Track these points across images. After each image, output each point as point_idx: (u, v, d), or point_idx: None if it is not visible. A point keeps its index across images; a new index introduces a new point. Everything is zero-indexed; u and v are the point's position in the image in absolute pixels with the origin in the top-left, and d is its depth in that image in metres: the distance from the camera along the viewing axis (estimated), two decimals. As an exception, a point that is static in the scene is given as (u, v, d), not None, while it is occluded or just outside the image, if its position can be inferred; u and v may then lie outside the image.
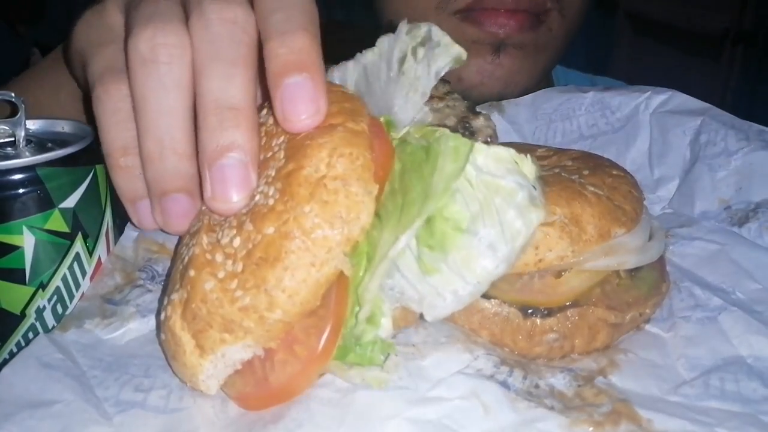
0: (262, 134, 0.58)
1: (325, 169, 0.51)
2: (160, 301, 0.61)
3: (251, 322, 0.51)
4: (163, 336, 0.55)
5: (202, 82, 0.54)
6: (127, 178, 0.60)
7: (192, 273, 0.53)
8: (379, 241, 0.53)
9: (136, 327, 0.61)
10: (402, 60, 0.62)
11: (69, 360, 0.56)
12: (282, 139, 0.55)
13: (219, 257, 0.53)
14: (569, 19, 1.03)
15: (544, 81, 1.14)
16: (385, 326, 0.55)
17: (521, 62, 1.01)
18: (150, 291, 0.64)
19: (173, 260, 0.61)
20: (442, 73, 0.61)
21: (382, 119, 0.58)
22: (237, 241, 0.52)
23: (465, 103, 0.64)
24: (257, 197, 0.53)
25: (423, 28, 0.62)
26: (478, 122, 0.62)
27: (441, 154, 0.52)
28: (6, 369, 0.54)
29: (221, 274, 0.52)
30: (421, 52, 0.61)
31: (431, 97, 0.62)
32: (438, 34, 0.61)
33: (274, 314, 0.50)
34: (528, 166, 0.53)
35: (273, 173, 0.54)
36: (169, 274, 0.63)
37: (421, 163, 0.53)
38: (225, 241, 0.53)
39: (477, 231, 0.52)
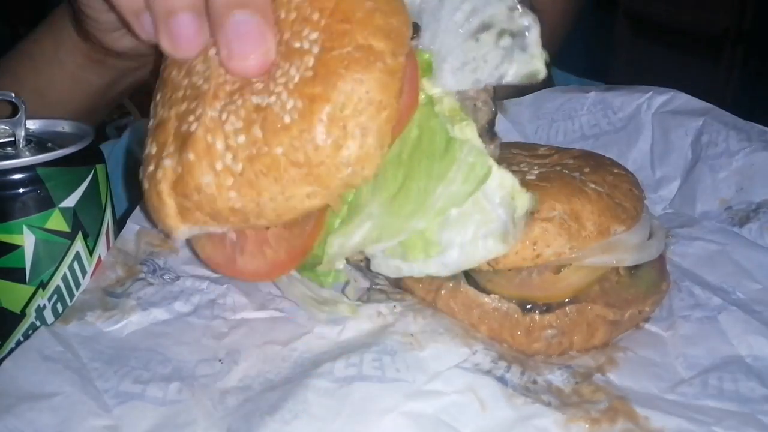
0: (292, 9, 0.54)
1: (351, 111, 0.50)
2: (146, 138, 0.60)
3: (237, 220, 0.53)
4: (146, 184, 0.56)
5: None
6: None
7: (191, 157, 0.53)
8: (365, 202, 0.54)
9: (137, 320, 0.61)
10: (483, 28, 0.57)
11: (69, 352, 0.57)
12: (316, 36, 0.52)
13: (219, 145, 0.53)
14: (547, 28, 1.03)
15: (544, 82, 1.13)
16: (340, 264, 0.57)
17: None
18: (151, 284, 0.65)
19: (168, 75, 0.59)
20: (508, 81, 0.58)
21: (424, 56, 0.56)
22: (242, 139, 0.52)
23: (493, 111, 0.61)
24: (273, 98, 0.52)
25: (525, 21, 0.58)
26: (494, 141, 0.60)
27: (457, 162, 0.52)
28: (7, 361, 0.55)
29: (219, 166, 0.53)
30: (506, 40, 0.57)
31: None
32: (534, 39, 0.58)
33: (258, 221, 0.53)
34: (523, 202, 0.54)
35: (297, 78, 0.51)
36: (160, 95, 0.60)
37: (436, 156, 0.53)
38: (228, 128, 0.53)
39: (440, 239, 0.53)
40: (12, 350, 0.62)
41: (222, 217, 0.53)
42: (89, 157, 0.64)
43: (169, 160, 0.55)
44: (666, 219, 0.80)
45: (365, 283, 0.68)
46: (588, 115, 0.91)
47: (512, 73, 0.58)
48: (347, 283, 0.59)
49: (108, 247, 0.67)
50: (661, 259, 0.67)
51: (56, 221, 0.61)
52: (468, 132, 0.54)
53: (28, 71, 0.89)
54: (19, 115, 0.63)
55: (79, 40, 0.83)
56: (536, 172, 0.65)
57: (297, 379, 0.55)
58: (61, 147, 0.62)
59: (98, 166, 0.65)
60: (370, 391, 0.53)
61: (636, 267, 0.64)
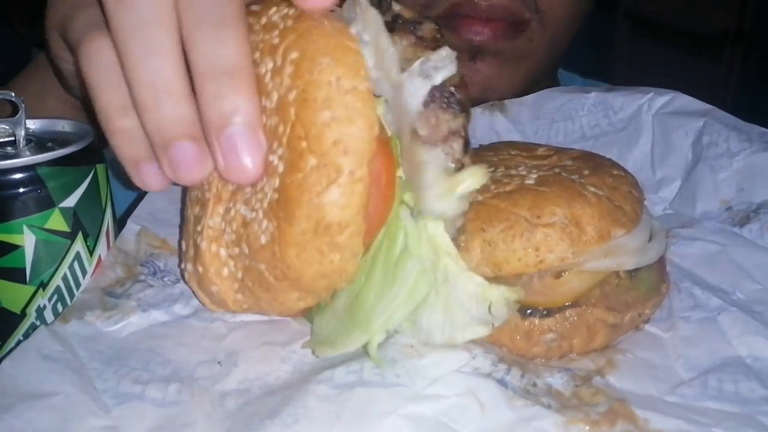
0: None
1: (312, 234, 0.50)
2: (181, 243, 0.66)
3: (250, 311, 0.61)
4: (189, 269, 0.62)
5: (192, 48, 0.51)
6: (128, 141, 0.55)
7: (200, 269, 0.60)
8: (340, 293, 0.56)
9: (137, 321, 0.61)
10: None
11: (69, 352, 0.57)
12: (281, 152, 0.51)
13: (223, 253, 0.58)
14: (551, 30, 1.03)
15: (546, 81, 1.13)
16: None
17: (499, 69, 1.01)
18: (151, 286, 0.65)
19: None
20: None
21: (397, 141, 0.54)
22: (236, 251, 0.57)
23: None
24: (254, 214, 0.54)
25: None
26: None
27: (400, 278, 0.53)
28: (6, 361, 0.55)
29: (225, 272, 0.59)
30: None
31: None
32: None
33: (261, 311, 0.60)
34: (497, 294, 0.54)
35: (268, 198, 0.53)
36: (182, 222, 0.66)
37: (390, 266, 0.54)
38: (227, 238, 0.58)
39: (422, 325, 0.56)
40: (12, 350, 0.63)
41: (239, 308, 0.61)
42: (89, 157, 0.64)
43: (190, 264, 0.61)
44: (666, 220, 0.80)
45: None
46: (588, 115, 0.91)
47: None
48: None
49: (108, 247, 0.67)
50: (661, 261, 0.67)
51: (56, 221, 0.61)
52: (430, 230, 0.53)
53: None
54: (19, 114, 0.63)
55: (64, 92, 0.82)
56: (534, 176, 0.64)
57: (297, 385, 0.55)
58: (61, 147, 0.62)
59: (98, 166, 0.65)
60: (370, 395, 0.53)
61: (636, 270, 0.64)
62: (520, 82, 1.05)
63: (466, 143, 0.52)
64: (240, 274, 0.57)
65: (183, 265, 0.63)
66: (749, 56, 2.99)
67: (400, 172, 0.54)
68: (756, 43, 2.95)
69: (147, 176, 0.56)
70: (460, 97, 0.51)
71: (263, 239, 0.53)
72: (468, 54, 0.99)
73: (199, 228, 0.59)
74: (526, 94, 0.96)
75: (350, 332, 0.55)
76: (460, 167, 0.51)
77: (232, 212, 0.57)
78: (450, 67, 0.51)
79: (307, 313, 0.60)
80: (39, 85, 0.86)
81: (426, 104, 0.51)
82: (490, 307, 0.54)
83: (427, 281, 0.53)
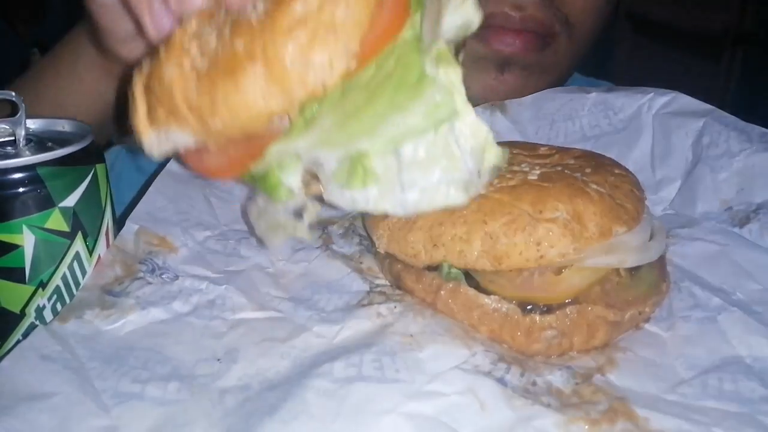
0: None
1: (316, 8, 0.48)
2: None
3: (194, 119, 0.52)
4: (129, 92, 0.56)
5: None
6: None
7: (162, 54, 0.53)
8: (320, 118, 0.51)
9: (135, 319, 0.61)
10: None
11: (68, 352, 0.56)
12: None
13: (194, 49, 0.52)
14: (577, 44, 1.03)
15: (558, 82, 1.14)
16: (292, 179, 0.55)
17: (525, 81, 1.02)
18: (150, 284, 0.65)
19: None
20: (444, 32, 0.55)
21: None
22: (213, 42, 0.51)
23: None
24: (250, 8, 0.51)
25: None
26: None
27: (423, 97, 0.50)
28: (5, 361, 0.54)
29: (186, 64, 0.52)
30: None
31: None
32: None
33: (213, 122, 0.51)
34: (493, 155, 0.52)
35: None
36: None
37: (404, 88, 0.50)
38: (206, 36, 0.52)
39: (402, 179, 0.52)
40: (11, 350, 0.63)
41: (180, 114, 0.52)
42: (89, 156, 0.64)
43: (148, 61, 0.55)
44: (666, 220, 0.80)
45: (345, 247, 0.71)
46: (589, 116, 0.91)
47: (449, 24, 0.55)
48: (303, 208, 0.58)
49: (108, 247, 0.67)
50: (661, 260, 0.67)
51: (56, 221, 0.61)
52: (452, 76, 0.51)
53: (48, 86, 0.91)
54: (19, 114, 0.63)
55: (96, 54, 0.85)
56: (537, 172, 0.65)
57: (296, 379, 0.55)
58: (61, 146, 0.62)
59: (98, 166, 0.65)
60: (370, 391, 0.53)
61: (637, 268, 0.64)
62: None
63: None
64: (205, 66, 0.52)
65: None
66: (749, 56, 2.99)
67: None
68: (756, 43, 2.95)
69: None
70: None
71: (253, 16, 0.50)
72: (496, 65, 1.00)
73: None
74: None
75: (348, 139, 0.51)
76: None
77: (220, 18, 0.53)
78: None
79: (255, 165, 0.56)
80: (72, 50, 0.89)
81: None
82: (480, 169, 0.52)
83: (450, 104, 0.50)
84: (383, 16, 0.50)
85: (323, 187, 0.55)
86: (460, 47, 0.57)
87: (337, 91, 0.51)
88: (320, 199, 0.58)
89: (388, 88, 0.51)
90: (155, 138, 0.55)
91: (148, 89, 0.54)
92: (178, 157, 0.57)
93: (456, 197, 0.52)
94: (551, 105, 0.92)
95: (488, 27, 0.96)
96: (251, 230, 0.65)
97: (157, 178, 0.77)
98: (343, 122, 0.51)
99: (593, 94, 0.91)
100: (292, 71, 0.48)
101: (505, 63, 0.99)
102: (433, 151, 0.51)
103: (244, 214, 0.74)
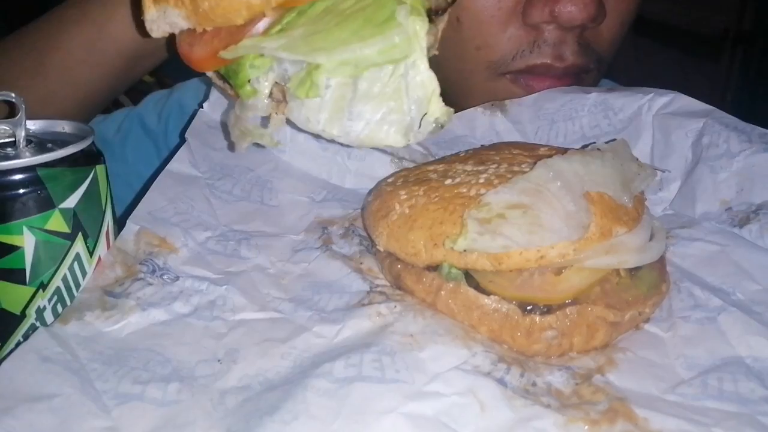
0: None
1: None
2: None
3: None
4: None
5: None
6: None
7: None
8: (291, 28, 0.57)
9: (136, 320, 0.61)
10: None
11: (68, 353, 0.56)
12: None
13: None
14: (604, 70, 1.03)
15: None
16: (261, 82, 0.61)
17: None
18: (150, 284, 0.65)
19: None
20: None
21: None
22: None
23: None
24: None
25: None
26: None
27: (383, 35, 0.55)
28: (5, 363, 0.54)
29: None
30: None
31: None
32: None
33: (203, 3, 0.58)
34: (437, 110, 0.57)
35: None
36: None
37: (371, 23, 0.56)
38: None
39: (352, 109, 0.58)
40: (11, 352, 0.63)
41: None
42: (89, 157, 0.64)
43: None
44: (666, 220, 0.80)
45: (345, 247, 0.75)
46: (588, 116, 0.91)
47: None
48: (269, 117, 0.63)
49: (108, 248, 0.67)
50: (661, 261, 0.67)
51: (56, 222, 0.61)
52: (417, 27, 0.56)
53: (95, 4, 0.91)
54: (19, 115, 0.63)
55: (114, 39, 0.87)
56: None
57: (296, 380, 0.55)
58: (61, 147, 0.62)
59: (98, 167, 0.65)
60: (370, 391, 0.53)
61: (637, 268, 0.64)
62: None
63: None
64: None
65: None
66: (749, 56, 2.99)
67: None
68: (756, 43, 2.94)
69: None
70: None
71: None
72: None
73: None
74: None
75: (307, 50, 0.56)
76: None
77: None
78: None
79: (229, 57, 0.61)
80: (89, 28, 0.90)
81: None
82: (422, 118, 0.57)
83: (405, 49, 0.55)
84: None
85: (287, 105, 0.61)
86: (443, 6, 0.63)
87: (319, 6, 0.57)
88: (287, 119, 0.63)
89: (359, 19, 0.56)
90: (156, 15, 0.63)
91: None
92: (172, 43, 0.65)
93: (395, 139, 0.58)
94: (551, 105, 0.92)
95: (530, 74, 0.96)
96: (227, 137, 0.70)
97: (158, 178, 0.77)
98: (310, 36, 0.57)
99: (593, 95, 0.91)
100: None
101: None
102: (385, 91, 0.57)
103: (224, 123, 0.76)
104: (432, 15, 0.61)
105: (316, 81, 0.57)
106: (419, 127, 0.58)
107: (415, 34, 0.56)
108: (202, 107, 0.90)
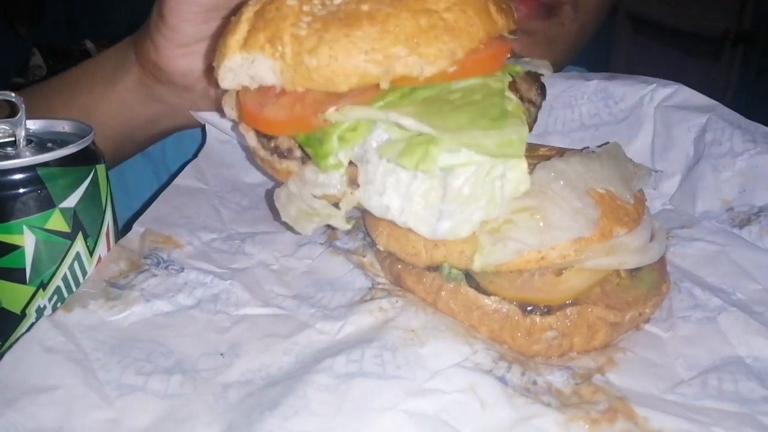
0: None
1: (445, 6, 0.54)
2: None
3: (290, 51, 0.55)
4: (232, 18, 0.60)
5: None
6: None
7: None
8: (402, 107, 0.55)
9: (140, 311, 0.61)
10: None
11: (71, 343, 0.56)
12: None
13: (317, 1, 0.56)
14: (582, 17, 1.03)
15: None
16: (343, 155, 0.58)
17: (530, 49, 1.01)
18: (155, 275, 0.65)
19: None
20: None
21: (516, 68, 0.62)
22: (337, 0, 0.56)
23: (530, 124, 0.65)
24: None
25: None
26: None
27: (501, 130, 0.54)
28: (8, 354, 0.54)
29: (306, 7, 0.56)
30: None
31: (518, 90, 0.64)
32: None
33: (309, 59, 0.54)
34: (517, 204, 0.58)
35: None
36: None
37: (486, 116, 0.54)
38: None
39: (442, 208, 0.56)
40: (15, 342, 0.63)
41: (280, 42, 0.55)
42: (89, 157, 0.64)
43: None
44: (666, 218, 0.80)
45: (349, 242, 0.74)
46: (588, 104, 0.88)
47: None
48: (342, 197, 0.60)
49: (108, 248, 0.67)
50: (661, 261, 0.67)
51: (56, 221, 0.61)
52: (523, 132, 0.55)
53: (83, 88, 0.91)
54: (19, 115, 0.63)
55: (138, 70, 0.85)
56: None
57: (298, 375, 0.55)
58: (61, 147, 0.62)
59: (98, 166, 0.65)
60: (371, 387, 0.53)
61: (637, 269, 0.64)
62: None
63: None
64: (324, 12, 0.55)
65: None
66: (749, 56, 2.98)
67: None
68: (756, 43, 2.94)
69: None
70: None
71: None
72: None
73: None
74: None
75: (423, 123, 0.54)
76: None
77: None
78: None
79: (314, 128, 0.58)
80: (116, 56, 0.90)
81: None
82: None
83: (519, 148, 0.54)
84: (489, 46, 0.56)
85: (361, 186, 0.58)
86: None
87: (423, 93, 0.55)
88: (355, 199, 0.60)
89: (473, 110, 0.55)
90: (239, 61, 0.57)
91: (259, 14, 0.57)
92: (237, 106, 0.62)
93: (474, 231, 0.57)
94: (550, 91, 0.90)
95: None
96: (275, 215, 0.66)
97: (165, 191, 0.77)
98: (425, 115, 0.54)
99: (594, 82, 0.88)
100: (401, 48, 0.53)
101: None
102: (478, 190, 0.55)
103: (269, 198, 0.73)
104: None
105: (433, 155, 0.54)
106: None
107: (520, 138, 0.54)
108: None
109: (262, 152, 0.64)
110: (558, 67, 1.07)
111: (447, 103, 0.55)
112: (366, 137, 0.57)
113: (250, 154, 0.70)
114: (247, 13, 0.58)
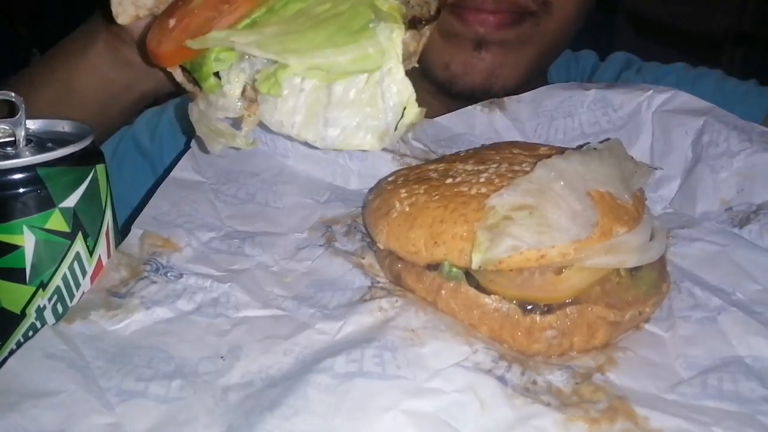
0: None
1: None
2: None
3: None
4: None
5: None
6: None
7: None
8: (264, 25, 0.57)
9: (140, 319, 0.61)
10: None
11: (73, 351, 0.57)
12: None
13: None
14: (559, 18, 1.03)
15: (539, 79, 1.13)
16: (230, 76, 0.60)
17: (503, 57, 1.02)
18: (154, 282, 0.65)
19: None
20: None
21: None
22: None
23: (431, 14, 0.65)
24: None
25: None
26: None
27: (358, 44, 0.55)
28: (11, 360, 0.55)
29: None
30: None
31: None
32: None
33: None
34: (412, 114, 0.58)
35: None
36: None
37: (346, 30, 0.55)
38: None
39: (328, 116, 0.58)
40: (12, 351, 0.63)
41: None
42: (89, 157, 0.64)
43: None
44: (666, 219, 0.80)
45: (348, 245, 0.75)
46: (588, 112, 0.91)
47: None
48: (243, 117, 0.62)
49: (108, 248, 0.67)
50: (661, 261, 0.67)
51: (56, 221, 0.61)
52: (393, 34, 0.56)
53: (60, 61, 0.94)
54: (19, 115, 0.63)
55: (108, 38, 0.87)
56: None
57: (298, 375, 0.55)
58: (61, 147, 0.62)
59: (98, 166, 0.65)
60: (371, 387, 0.53)
61: (637, 268, 0.64)
62: (524, 69, 1.05)
63: None
64: None
65: None
66: (749, 56, 2.98)
67: None
68: (756, 43, 2.94)
69: None
70: None
71: None
72: (472, 43, 1.00)
73: None
74: (529, 82, 0.95)
75: (279, 50, 0.56)
76: None
77: None
78: None
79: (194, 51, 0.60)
80: (87, 29, 0.92)
81: None
82: (398, 123, 0.58)
83: (378, 60, 0.55)
84: None
85: (260, 106, 0.60)
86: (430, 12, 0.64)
87: (294, 7, 0.56)
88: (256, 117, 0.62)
89: (333, 25, 0.56)
90: None
91: None
92: (142, 47, 0.65)
93: (371, 143, 0.59)
94: (550, 102, 0.92)
95: (464, 6, 0.97)
96: (191, 131, 0.69)
97: (162, 185, 0.78)
98: (282, 36, 0.56)
99: (592, 91, 0.91)
100: None
101: (481, 41, 1.00)
102: (361, 97, 0.57)
103: (184, 112, 0.75)
104: (416, 24, 0.61)
105: (280, 80, 0.57)
106: (395, 131, 0.59)
107: (391, 42, 0.56)
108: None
109: (183, 79, 0.69)
110: (536, 67, 1.08)
111: (312, 18, 0.57)
112: (239, 57, 0.59)
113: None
114: None
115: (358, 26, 0.56)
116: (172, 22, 0.61)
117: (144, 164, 1.08)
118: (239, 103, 0.62)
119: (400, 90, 0.57)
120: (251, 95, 0.61)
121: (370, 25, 0.56)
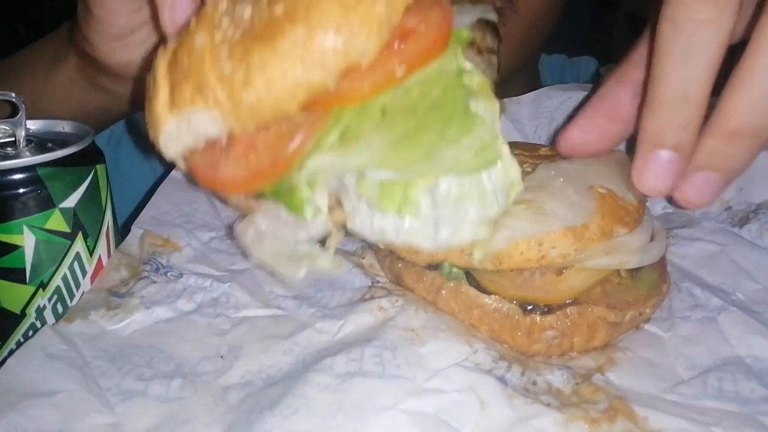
0: None
1: None
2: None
3: (223, 93, 0.47)
4: (148, 77, 0.52)
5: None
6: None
7: (192, 25, 0.50)
8: (365, 134, 0.49)
9: (140, 318, 0.61)
10: None
11: (73, 351, 0.57)
12: None
13: (225, 21, 0.48)
14: (527, 16, 1.00)
15: (528, 73, 1.12)
16: (320, 199, 0.51)
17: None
18: (154, 282, 0.65)
19: None
20: None
21: (463, 33, 0.53)
22: (247, 12, 0.47)
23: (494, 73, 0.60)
24: None
25: None
26: None
27: (472, 135, 0.49)
28: (11, 359, 0.55)
29: (218, 37, 0.48)
30: None
31: (474, 43, 0.59)
32: None
33: (246, 94, 0.46)
34: (517, 188, 0.52)
35: None
36: None
37: (453, 121, 0.49)
38: (239, 9, 0.48)
39: (433, 215, 0.50)
40: (12, 351, 0.63)
41: (209, 88, 0.47)
42: (89, 157, 0.64)
43: (173, 41, 0.51)
44: (666, 219, 0.80)
45: (348, 244, 0.71)
46: None
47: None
48: (328, 235, 0.54)
49: (108, 248, 0.67)
50: (662, 261, 0.67)
51: (56, 221, 0.61)
52: (492, 112, 0.50)
53: (26, 75, 0.89)
54: (19, 115, 0.63)
55: (77, 59, 0.82)
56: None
57: (297, 374, 0.55)
58: (61, 147, 0.62)
59: (98, 166, 0.65)
60: (370, 387, 0.53)
61: (637, 269, 0.64)
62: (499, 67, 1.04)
63: None
64: (238, 35, 0.47)
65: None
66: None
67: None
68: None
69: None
70: None
71: None
72: None
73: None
74: (507, 82, 0.94)
75: (405, 163, 0.48)
76: None
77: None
78: None
79: (280, 178, 0.51)
80: (56, 45, 0.87)
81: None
82: (506, 204, 0.52)
83: (496, 147, 0.49)
84: (433, 33, 0.49)
85: (348, 214, 0.52)
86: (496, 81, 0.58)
87: (377, 107, 0.49)
88: (343, 227, 0.55)
89: (438, 118, 0.49)
90: (175, 127, 0.50)
91: (173, 65, 0.50)
92: (189, 172, 0.53)
93: (482, 233, 0.52)
94: (550, 103, 0.92)
95: None
96: (242, 253, 0.62)
97: (161, 185, 0.78)
98: (395, 145, 0.48)
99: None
100: (332, 37, 0.45)
101: None
102: (465, 188, 0.50)
103: (232, 233, 0.67)
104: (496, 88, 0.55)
105: (413, 197, 0.49)
106: (502, 212, 0.53)
107: (496, 123, 0.50)
108: None
109: (243, 203, 0.58)
110: (506, 65, 1.06)
111: (409, 112, 0.49)
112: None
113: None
114: (161, 70, 0.51)
115: (461, 114, 0.49)
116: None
117: (140, 149, 1.07)
118: (326, 220, 0.53)
119: (506, 170, 0.51)
120: (332, 203, 0.53)
121: (471, 108, 0.49)
